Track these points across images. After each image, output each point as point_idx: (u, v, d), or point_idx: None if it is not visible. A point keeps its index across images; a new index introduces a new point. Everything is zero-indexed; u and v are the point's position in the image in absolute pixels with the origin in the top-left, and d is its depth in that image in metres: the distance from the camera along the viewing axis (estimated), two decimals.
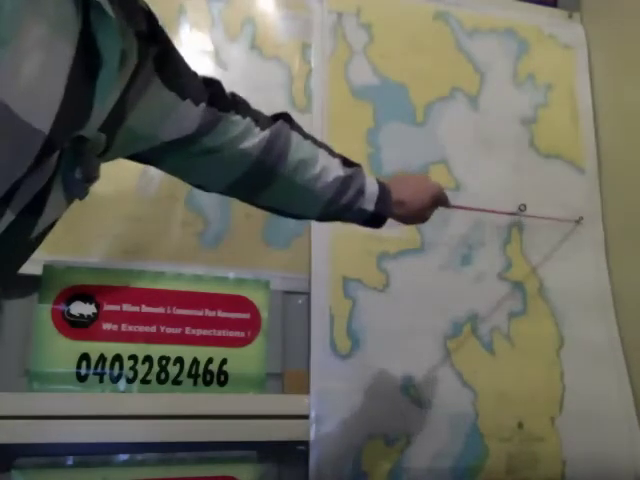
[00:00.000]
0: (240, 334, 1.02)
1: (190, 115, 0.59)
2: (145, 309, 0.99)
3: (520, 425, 1.07)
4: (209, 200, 1.06)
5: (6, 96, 0.36)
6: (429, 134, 1.20)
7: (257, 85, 1.08)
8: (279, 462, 1.00)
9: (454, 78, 1.24)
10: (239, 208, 1.07)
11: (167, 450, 0.94)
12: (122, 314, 0.98)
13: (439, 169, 1.18)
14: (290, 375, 1.04)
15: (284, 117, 0.71)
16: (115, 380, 0.95)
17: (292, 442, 0.98)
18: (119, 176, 1.03)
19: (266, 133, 0.67)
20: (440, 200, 0.86)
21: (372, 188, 0.77)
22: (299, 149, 0.70)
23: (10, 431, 0.87)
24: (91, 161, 0.47)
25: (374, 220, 0.79)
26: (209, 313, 1.02)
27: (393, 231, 1.11)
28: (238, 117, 0.65)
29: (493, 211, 1.12)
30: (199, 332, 1.00)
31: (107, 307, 0.97)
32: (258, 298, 1.05)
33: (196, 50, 1.11)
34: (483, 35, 1.29)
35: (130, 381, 0.95)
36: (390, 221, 0.80)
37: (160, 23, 0.54)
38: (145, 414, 0.92)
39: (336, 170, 0.74)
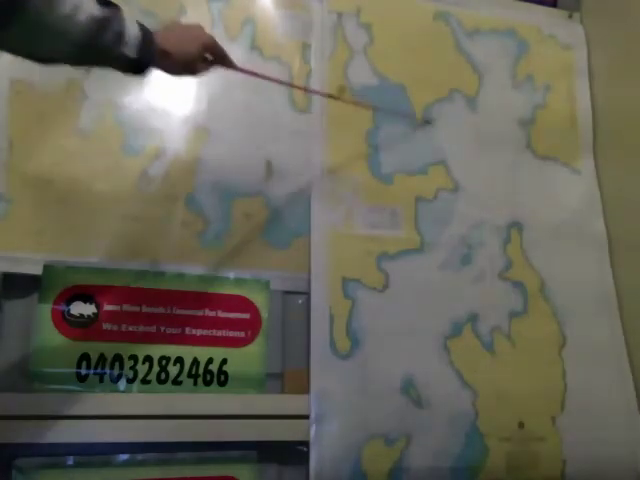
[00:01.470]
0: (240, 334, 1.02)
1: None
2: (145, 309, 0.99)
3: (520, 425, 1.07)
4: (209, 200, 1.06)
5: None
6: (428, 135, 1.20)
7: (257, 85, 1.08)
8: (279, 462, 1.00)
9: (453, 79, 1.24)
10: (239, 208, 1.08)
11: (167, 450, 0.94)
12: (122, 314, 0.98)
13: (438, 170, 1.18)
14: (290, 375, 1.04)
15: None
16: (115, 380, 0.95)
17: (292, 442, 0.98)
18: (119, 176, 1.03)
19: None
20: (212, 51, 0.81)
21: (133, 33, 0.71)
22: None
23: (10, 431, 0.87)
24: None
25: (136, 68, 0.74)
26: (209, 313, 1.02)
27: (393, 231, 1.12)
28: None
29: (306, 89, 1.14)
30: (199, 332, 1.00)
31: (107, 307, 0.97)
32: (258, 298, 1.05)
33: None
34: (483, 35, 1.29)
35: (130, 381, 0.95)
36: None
37: None
38: (145, 414, 0.92)
39: (89, 9, 0.67)
